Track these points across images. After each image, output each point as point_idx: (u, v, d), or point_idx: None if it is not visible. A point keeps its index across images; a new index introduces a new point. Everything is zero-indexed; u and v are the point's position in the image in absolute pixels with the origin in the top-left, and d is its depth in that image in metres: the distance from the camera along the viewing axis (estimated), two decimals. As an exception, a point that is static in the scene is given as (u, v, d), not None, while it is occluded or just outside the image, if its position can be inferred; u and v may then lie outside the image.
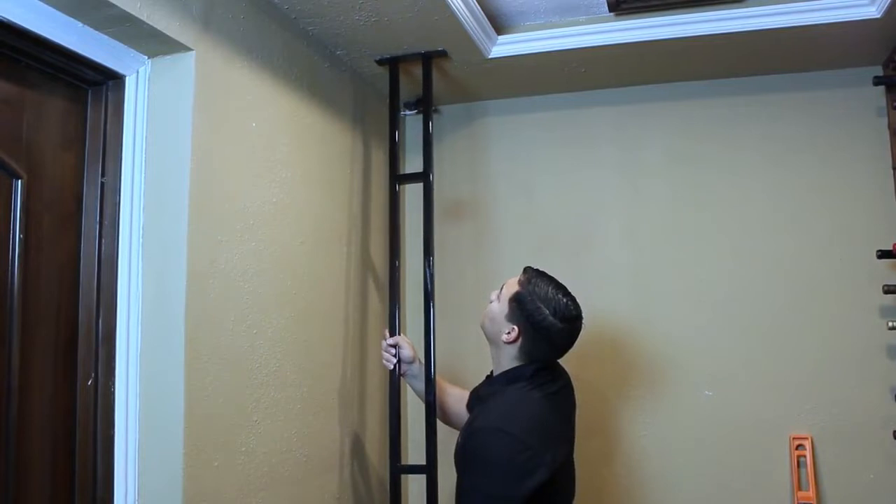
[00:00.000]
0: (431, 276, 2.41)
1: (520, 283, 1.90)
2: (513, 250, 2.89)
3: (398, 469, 2.42)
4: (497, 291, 1.94)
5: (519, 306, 1.86)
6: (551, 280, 1.90)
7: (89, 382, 1.59)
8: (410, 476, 2.79)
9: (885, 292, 2.45)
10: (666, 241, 2.75)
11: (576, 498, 1.94)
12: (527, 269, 1.94)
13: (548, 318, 1.83)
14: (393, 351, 2.23)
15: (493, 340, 1.93)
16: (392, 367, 2.25)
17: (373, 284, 2.64)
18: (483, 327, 1.96)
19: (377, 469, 2.58)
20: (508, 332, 1.86)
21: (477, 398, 1.98)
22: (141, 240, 1.67)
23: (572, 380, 2.01)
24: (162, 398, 1.61)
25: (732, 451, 2.61)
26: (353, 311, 2.50)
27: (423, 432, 2.33)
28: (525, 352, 1.87)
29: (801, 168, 2.64)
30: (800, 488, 2.52)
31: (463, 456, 1.78)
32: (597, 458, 2.71)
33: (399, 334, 2.32)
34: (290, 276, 2.11)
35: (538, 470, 1.71)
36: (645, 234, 2.77)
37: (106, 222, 1.66)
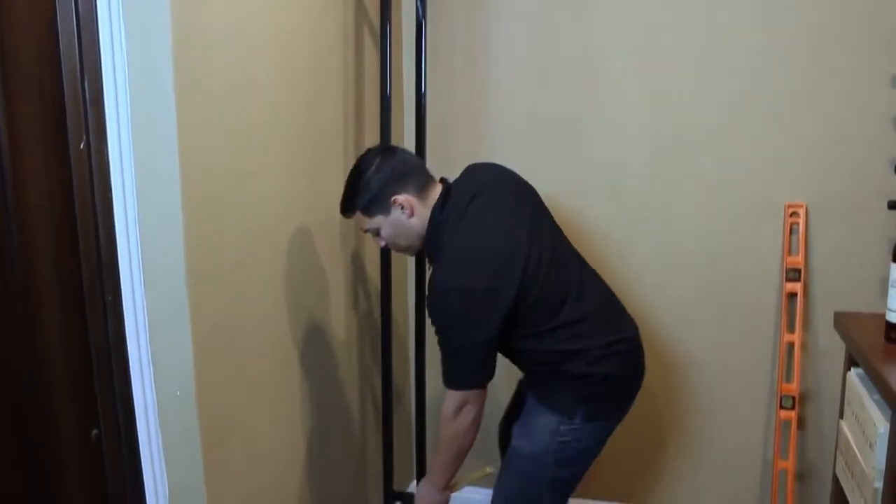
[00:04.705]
0: (424, 82, 2.51)
1: (355, 216, 1.99)
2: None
3: None
4: (378, 239, 2.00)
5: (369, 208, 1.93)
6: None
7: (81, 146, 1.56)
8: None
9: (900, 59, 2.36)
10: (676, 5, 2.60)
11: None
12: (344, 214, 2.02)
13: (370, 183, 1.91)
14: None
15: (417, 234, 1.94)
16: None
17: (368, 38, 2.55)
18: (411, 247, 2.00)
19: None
20: (402, 210, 1.90)
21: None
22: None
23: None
24: (155, 160, 1.58)
25: (729, 216, 2.66)
26: (350, 68, 2.43)
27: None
28: (415, 208, 1.91)
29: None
30: (790, 253, 2.59)
31: (429, 313, 1.88)
32: (601, 219, 2.77)
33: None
34: (280, 42, 2.01)
35: (496, 306, 1.79)
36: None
37: (79, -25, 1.54)
